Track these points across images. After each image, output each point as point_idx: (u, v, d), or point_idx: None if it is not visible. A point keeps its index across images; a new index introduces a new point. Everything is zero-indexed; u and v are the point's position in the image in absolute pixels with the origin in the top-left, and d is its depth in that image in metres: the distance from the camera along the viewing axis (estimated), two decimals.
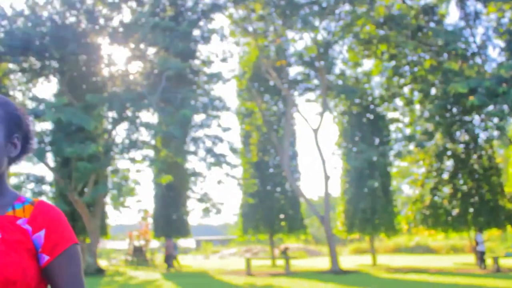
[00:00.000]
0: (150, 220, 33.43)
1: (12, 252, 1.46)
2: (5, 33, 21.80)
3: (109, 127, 23.56)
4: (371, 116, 27.69)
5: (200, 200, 26.74)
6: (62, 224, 1.59)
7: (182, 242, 54.18)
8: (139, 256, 31.53)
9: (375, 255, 28.19)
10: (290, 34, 24.95)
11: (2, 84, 22.86)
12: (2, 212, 1.54)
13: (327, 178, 23.58)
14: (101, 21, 22.49)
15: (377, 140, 27.50)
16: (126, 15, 29.89)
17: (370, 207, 26.72)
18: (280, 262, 28.39)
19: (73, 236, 1.59)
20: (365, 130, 27.39)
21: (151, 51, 23.08)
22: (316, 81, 25.31)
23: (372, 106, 27.76)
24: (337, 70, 25.92)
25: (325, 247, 46.27)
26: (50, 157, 23.77)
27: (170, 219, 30.55)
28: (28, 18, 21.80)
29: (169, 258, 26.33)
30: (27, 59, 22.41)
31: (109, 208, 27.55)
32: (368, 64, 50.97)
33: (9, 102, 1.61)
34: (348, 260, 30.85)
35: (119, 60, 22.95)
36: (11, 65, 22.59)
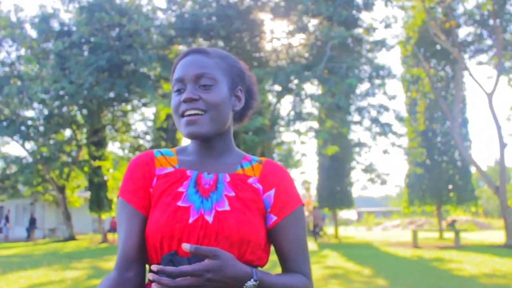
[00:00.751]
0: (313, 192, 33.82)
1: (247, 211, 1.42)
2: (176, 17, 23.11)
3: (274, 100, 24.00)
4: None
5: (365, 170, 26.41)
6: (291, 184, 1.54)
7: (344, 214, 54.29)
8: None
9: None
10: None
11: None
12: (232, 170, 1.52)
13: (503, 145, 21.91)
14: None
15: None
16: None
17: None
18: (448, 235, 27.14)
19: (299, 198, 1.53)
20: None
21: (313, 22, 22.97)
22: (489, 42, 23.51)
23: None
24: None
25: (495, 220, 43.49)
26: None
27: (333, 191, 30.56)
28: (196, 0, 22.80)
29: (316, 228, 26.38)
30: (196, 40, 23.48)
31: None
32: None
33: (230, 55, 1.58)
34: None
35: (281, 34, 23.16)
36: (181, 47, 23.85)
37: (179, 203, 1.40)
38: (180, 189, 1.44)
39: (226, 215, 1.38)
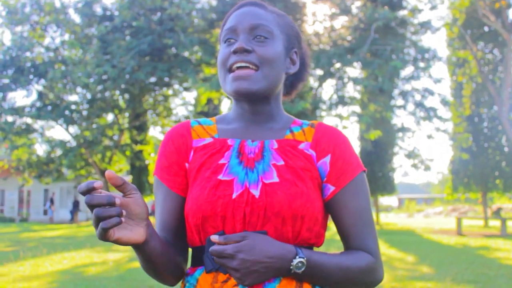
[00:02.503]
0: None
1: (299, 181, 1.21)
2: (217, 0, 22.97)
3: (316, 84, 23.68)
4: None
5: (408, 156, 25.89)
6: (349, 148, 1.31)
7: (385, 200, 53.67)
8: None
9: None
10: None
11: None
12: (280, 136, 1.33)
13: None
14: None
15: None
16: None
17: None
18: (493, 223, 26.42)
19: (359, 163, 1.29)
20: None
21: (357, 4, 22.51)
22: None
23: None
24: None
25: None
26: None
27: (375, 176, 30.13)
28: None
29: None
30: None
31: None
32: None
33: (287, 15, 1.40)
34: None
35: (324, 16, 22.77)
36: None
37: (221, 177, 1.23)
38: (221, 161, 1.27)
39: (275, 187, 1.20)
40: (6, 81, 27.62)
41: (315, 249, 1.27)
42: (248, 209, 1.18)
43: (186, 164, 1.31)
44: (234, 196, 1.19)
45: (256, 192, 1.19)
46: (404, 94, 23.68)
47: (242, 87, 1.25)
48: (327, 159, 1.28)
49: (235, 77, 1.26)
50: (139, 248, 1.14)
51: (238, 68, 1.26)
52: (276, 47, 1.29)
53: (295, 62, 1.37)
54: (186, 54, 23.84)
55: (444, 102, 23.68)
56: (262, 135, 1.32)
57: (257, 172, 1.23)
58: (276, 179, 1.21)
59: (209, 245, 1.18)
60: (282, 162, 1.25)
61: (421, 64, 22.84)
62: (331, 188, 1.26)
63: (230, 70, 1.28)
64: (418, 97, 23.49)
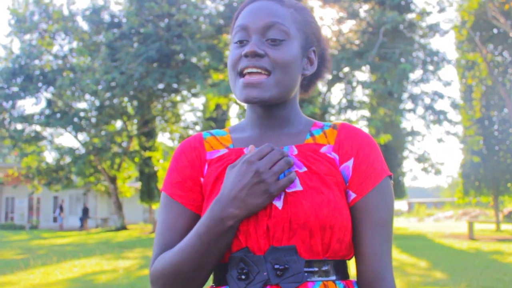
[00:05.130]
0: None
1: (325, 188, 1.11)
2: (225, 5, 23.07)
3: (325, 88, 23.61)
4: None
5: (418, 160, 25.71)
6: (374, 151, 1.20)
7: (395, 204, 53.50)
8: None
9: None
10: None
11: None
12: (299, 141, 1.23)
13: None
14: None
15: None
16: None
17: None
18: (505, 226, 26.15)
19: (385, 167, 1.19)
20: None
21: (365, 7, 22.44)
22: None
23: None
24: None
25: None
26: None
27: None
28: None
29: None
30: None
31: None
32: None
33: (306, 8, 1.29)
34: None
35: (332, 21, 22.73)
36: (229, 36, 23.75)
37: None
38: None
39: (299, 197, 1.10)
40: (15, 89, 27.77)
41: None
42: (271, 222, 1.09)
43: (201, 179, 1.22)
44: None
45: (278, 203, 1.10)
46: (413, 98, 23.55)
47: (252, 95, 1.16)
48: (350, 163, 1.18)
49: (246, 84, 1.17)
50: (235, 226, 1.09)
51: (249, 73, 1.17)
52: (292, 49, 1.20)
53: (313, 62, 1.27)
54: (194, 60, 23.86)
55: (454, 105, 23.53)
56: (280, 141, 1.22)
57: None
58: (299, 187, 1.12)
59: (232, 263, 1.11)
60: (304, 169, 1.15)
61: (430, 67, 22.72)
62: (352, 195, 1.16)
63: (241, 74, 1.19)
64: (427, 100, 23.36)
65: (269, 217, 1.10)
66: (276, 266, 1.07)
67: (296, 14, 1.24)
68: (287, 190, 1.12)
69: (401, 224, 35.69)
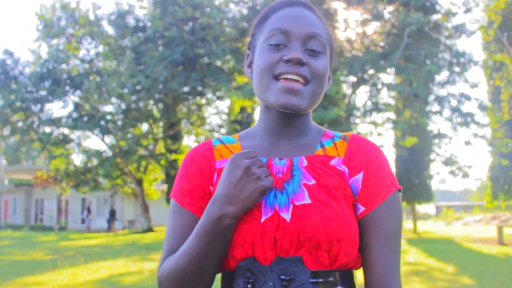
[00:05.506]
0: None
1: (333, 202, 1.11)
2: (248, 9, 23.13)
3: (349, 91, 23.48)
4: None
5: (446, 163, 25.38)
6: (384, 165, 1.19)
7: (422, 208, 52.75)
8: None
9: None
10: None
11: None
12: (310, 152, 1.22)
13: None
14: None
15: None
16: None
17: None
18: None
19: (394, 181, 1.18)
20: None
21: (389, 9, 22.28)
22: None
23: None
24: None
25: None
26: None
27: (412, 183, 29.59)
28: None
29: None
30: None
31: None
32: None
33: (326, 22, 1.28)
34: None
35: (356, 23, 22.61)
36: None
37: None
38: None
39: (307, 209, 1.11)
40: (43, 93, 28.23)
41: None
42: (279, 234, 1.10)
43: (211, 187, 1.23)
44: (262, 220, 1.12)
45: (286, 216, 1.11)
46: (439, 100, 23.26)
47: (291, 102, 1.15)
48: (360, 176, 1.18)
49: (286, 89, 1.15)
50: (233, 225, 1.11)
51: (285, 79, 1.16)
52: (326, 62, 1.21)
53: (330, 78, 1.28)
54: (219, 63, 23.98)
55: (482, 107, 23.17)
56: (290, 151, 1.22)
57: (287, 194, 1.14)
58: (308, 200, 1.12)
59: (239, 272, 1.12)
60: (313, 181, 1.15)
61: (457, 69, 22.41)
62: (361, 209, 1.16)
63: (276, 78, 1.17)
64: (454, 102, 23.03)
65: (277, 229, 1.10)
66: (282, 277, 1.08)
67: (325, 27, 1.25)
68: (295, 203, 1.12)
69: (429, 227, 35.28)
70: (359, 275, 1.21)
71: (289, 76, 1.15)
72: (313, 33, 1.18)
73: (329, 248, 1.09)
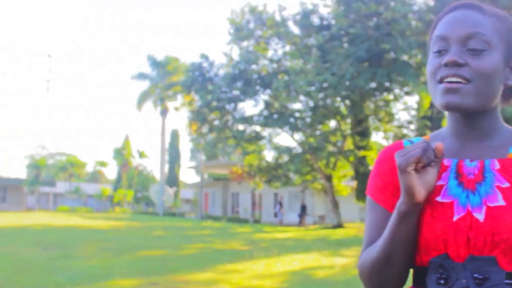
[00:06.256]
0: None
1: None
2: (435, 0, 22.07)
3: None
4: None
5: None
6: None
7: None
8: None
9: None
10: None
11: None
12: (502, 154, 1.20)
13: None
14: None
15: None
16: None
17: None
18: None
19: None
20: None
21: None
22: None
23: None
24: None
25: None
26: None
27: None
28: None
29: None
30: None
31: None
32: None
33: (509, 17, 1.26)
34: None
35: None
36: None
37: (439, 199, 1.17)
38: (439, 182, 1.19)
39: (501, 211, 1.10)
40: (236, 92, 29.87)
41: None
42: (472, 234, 1.11)
43: None
44: (455, 219, 1.13)
45: (480, 216, 1.11)
46: None
47: (452, 100, 1.17)
48: None
49: (446, 90, 1.18)
50: (409, 212, 1.14)
51: (448, 82, 1.18)
52: (493, 59, 1.19)
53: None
54: (405, 57, 23.35)
55: None
56: (480, 153, 1.21)
57: (479, 195, 1.14)
58: (502, 202, 1.12)
59: (432, 268, 1.16)
60: (507, 184, 1.14)
61: None
62: None
63: (441, 81, 1.20)
64: None
65: (470, 228, 1.11)
66: (476, 275, 1.08)
67: (498, 23, 1.23)
68: (488, 204, 1.13)
69: None
70: None
71: (449, 79, 1.18)
72: (470, 32, 1.19)
73: None
